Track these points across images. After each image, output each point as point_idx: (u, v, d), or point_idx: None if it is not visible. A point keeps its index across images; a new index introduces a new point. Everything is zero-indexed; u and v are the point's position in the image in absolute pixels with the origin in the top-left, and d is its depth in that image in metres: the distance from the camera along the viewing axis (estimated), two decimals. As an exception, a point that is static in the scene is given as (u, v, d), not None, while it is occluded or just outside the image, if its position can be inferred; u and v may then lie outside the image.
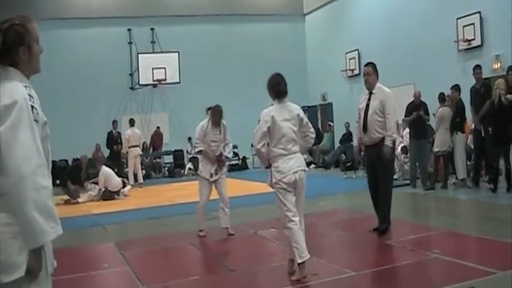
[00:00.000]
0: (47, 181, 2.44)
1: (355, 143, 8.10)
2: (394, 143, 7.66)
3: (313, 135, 6.11)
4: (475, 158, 11.79)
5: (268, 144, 5.90)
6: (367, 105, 7.68)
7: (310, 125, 6.08)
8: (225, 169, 8.56)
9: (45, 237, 2.40)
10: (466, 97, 11.84)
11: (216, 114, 8.36)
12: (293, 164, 5.73)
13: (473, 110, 11.46)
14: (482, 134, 11.26)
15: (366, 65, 7.96)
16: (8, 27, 2.56)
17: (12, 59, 2.54)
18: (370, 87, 7.77)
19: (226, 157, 8.51)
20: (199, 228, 8.32)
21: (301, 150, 5.97)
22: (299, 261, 5.58)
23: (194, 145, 8.67)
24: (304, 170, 5.87)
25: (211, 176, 8.23)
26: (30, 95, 2.47)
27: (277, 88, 5.94)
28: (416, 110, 12.29)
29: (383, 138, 7.54)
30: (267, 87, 6.01)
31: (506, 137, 10.34)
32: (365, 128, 7.69)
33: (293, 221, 5.67)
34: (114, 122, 18.99)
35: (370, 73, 7.76)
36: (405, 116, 12.78)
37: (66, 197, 13.96)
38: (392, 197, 7.85)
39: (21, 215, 2.34)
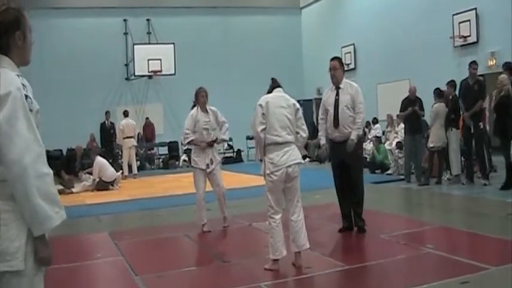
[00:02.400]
0: (48, 168, 2.44)
1: (322, 141, 7.81)
2: (361, 138, 7.62)
3: (304, 135, 5.99)
4: (467, 154, 11.77)
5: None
6: (336, 101, 7.49)
7: (303, 122, 5.99)
8: (219, 158, 8.46)
9: (51, 223, 2.42)
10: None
11: (197, 94, 8.23)
12: (288, 157, 5.72)
13: (462, 103, 11.42)
14: (471, 131, 11.29)
15: (332, 59, 7.69)
16: (5, 9, 2.50)
17: (7, 43, 2.50)
18: (337, 82, 7.56)
19: (223, 139, 8.37)
20: (202, 222, 8.06)
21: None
22: (272, 257, 5.80)
23: (184, 136, 8.21)
24: (299, 163, 5.86)
25: (207, 166, 8.04)
26: (23, 84, 2.44)
27: (273, 83, 6.10)
28: (411, 105, 12.29)
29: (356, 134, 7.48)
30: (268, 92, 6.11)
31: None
32: (336, 123, 7.49)
33: (273, 218, 5.84)
34: (107, 113, 18.96)
35: (336, 67, 7.55)
36: (400, 111, 12.78)
37: (60, 186, 13.93)
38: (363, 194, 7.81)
39: (26, 204, 2.35)
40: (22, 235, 2.40)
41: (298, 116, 5.91)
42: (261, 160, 6.03)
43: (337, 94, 7.52)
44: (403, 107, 12.54)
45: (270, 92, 6.07)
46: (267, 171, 5.79)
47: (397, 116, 13.82)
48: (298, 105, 5.97)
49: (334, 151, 7.78)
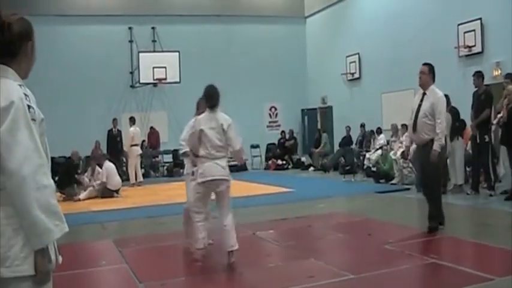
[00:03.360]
0: (48, 180, 2.40)
1: (406, 142, 8.63)
2: (442, 147, 7.81)
3: (236, 148, 6.50)
4: (473, 164, 11.80)
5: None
6: (419, 106, 7.83)
7: (234, 140, 6.48)
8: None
9: (50, 236, 2.37)
10: (466, 102, 11.87)
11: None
12: (214, 171, 6.40)
13: (473, 114, 11.49)
14: (477, 141, 11.31)
15: (423, 64, 8.09)
16: (20, 18, 2.52)
17: (17, 52, 2.50)
18: (422, 87, 7.93)
19: None
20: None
21: (234, 158, 6.91)
22: (196, 247, 6.57)
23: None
24: (227, 180, 6.48)
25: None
26: (25, 94, 2.43)
27: (211, 101, 6.63)
28: None
29: (432, 140, 7.66)
30: (203, 96, 6.78)
31: None
32: (414, 128, 7.89)
33: (195, 217, 6.58)
34: (114, 120, 19.03)
35: (424, 72, 7.93)
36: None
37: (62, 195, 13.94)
38: (439, 198, 8.13)
39: (25, 215, 2.32)
40: None
41: (227, 134, 6.44)
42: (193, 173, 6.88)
43: (422, 100, 7.86)
44: None
45: (211, 107, 6.61)
46: (198, 180, 6.50)
47: (401, 126, 13.82)
48: (226, 126, 6.45)
49: (416, 153, 8.37)
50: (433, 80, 7.93)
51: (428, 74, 7.90)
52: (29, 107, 2.41)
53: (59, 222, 2.41)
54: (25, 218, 2.32)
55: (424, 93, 7.87)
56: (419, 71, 7.99)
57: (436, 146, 7.60)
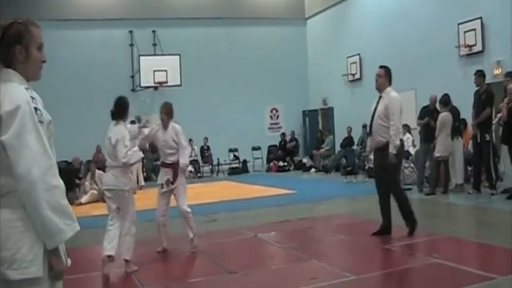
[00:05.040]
0: (58, 181, 2.45)
1: (368, 148, 8.63)
2: (401, 147, 7.72)
3: (124, 161, 6.48)
4: (474, 163, 11.79)
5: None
6: (375, 109, 7.83)
7: (119, 150, 6.49)
8: (182, 179, 7.75)
9: (62, 236, 2.42)
10: (467, 101, 11.87)
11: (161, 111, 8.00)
12: (108, 180, 6.69)
13: (473, 113, 11.49)
14: (478, 140, 11.30)
15: (380, 67, 8.17)
16: (10, 24, 2.53)
17: (8, 57, 2.51)
18: (379, 90, 7.98)
19: (184, 163, 7.65)
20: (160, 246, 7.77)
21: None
22: (105, 253, 6.38)
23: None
24: (120, 190, 6.56)
25: (162, 186, 7.73)
26: (32, 97, 2.45)
27: (112, 111, 7.02)
28: (429, 114, 12.31)
29: (387, 143, 7.57)
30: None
31: None
32: (370, 131, 7.90)
33: (108, 223, 6.58)
34: (115, 124, 19.03)
35: (380, 75, 8.00)
36: (418, 119, 12.81)
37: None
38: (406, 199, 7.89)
39: (37, 217, 2.35)
40: (40, 242, 2.40)
41: (116, 147, 6.54)
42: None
43: (378, 103, 7.90)
44: (421, 115, 12.65)
45: (112, 116, 6.97)
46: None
47: (406, 126, 13.85)
48: (114, 139, 6.58)
49: (373, 157, 8.29)
50: (390, 83, 7.95)
51: (384, 76, 7.93)
52: (35, 109, 2.44)
53: (70, 222, 2.46)
54: (37, 219, 2.36)
55: (381, 96, 7.85)
56: (376, 73, 8.06)
57: (391, 149, 7.50)
